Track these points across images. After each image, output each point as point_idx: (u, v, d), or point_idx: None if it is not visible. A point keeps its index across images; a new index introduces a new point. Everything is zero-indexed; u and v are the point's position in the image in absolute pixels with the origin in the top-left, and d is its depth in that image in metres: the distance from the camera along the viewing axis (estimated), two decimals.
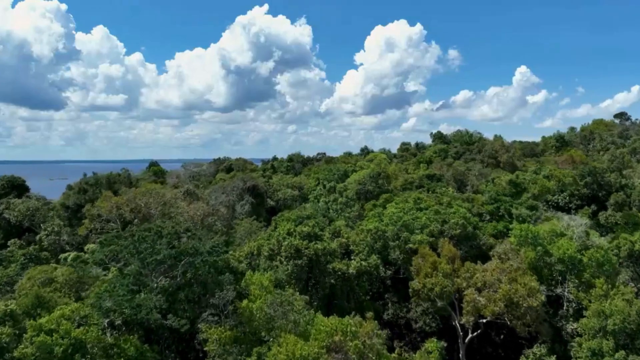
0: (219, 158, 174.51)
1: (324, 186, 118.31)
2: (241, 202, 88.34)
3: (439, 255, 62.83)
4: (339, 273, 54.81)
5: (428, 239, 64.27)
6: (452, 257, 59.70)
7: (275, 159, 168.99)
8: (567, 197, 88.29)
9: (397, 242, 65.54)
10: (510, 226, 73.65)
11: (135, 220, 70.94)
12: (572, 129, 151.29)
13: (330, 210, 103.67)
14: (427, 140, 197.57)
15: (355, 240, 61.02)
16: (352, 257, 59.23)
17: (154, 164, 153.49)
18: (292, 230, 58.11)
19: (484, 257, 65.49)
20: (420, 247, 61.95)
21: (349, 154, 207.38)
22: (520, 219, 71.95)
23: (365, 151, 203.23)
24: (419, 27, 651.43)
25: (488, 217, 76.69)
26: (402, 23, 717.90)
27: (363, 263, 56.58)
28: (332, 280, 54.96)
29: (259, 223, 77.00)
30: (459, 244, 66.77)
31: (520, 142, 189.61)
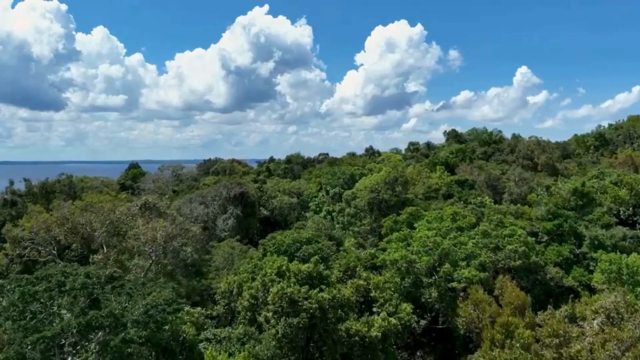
0: (209, 159, 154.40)
1: (327, 192, 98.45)
2: (224, 215, 68.27)
3: (496, 299, 43.02)
4: (356, 338, 34.85)
5: (479, 275, 44.44)
6: (521, 305, 39.88)
7: (272, 160, 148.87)
8: (631, 209, 68.60)
9: (433, 278, 45.70)
10: (579, 252, 53.77)
11: (74, 245, 51.27)
12: (611, 125, 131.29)
13: (336, 224, 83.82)
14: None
15: (379, 283, 40.92)
16: (375, 309, 39.19)
17: (134, 165, 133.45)
18: (284, 268, 38.15)
19: (552, 297, 46.14)
20: (472, 289, 42.07)
21: (352, 155, 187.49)
22: (597, 242, 51.98)
23: (370, 151, 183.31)
24: (419, 27, 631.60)
25: (546, 238, 56.78)
26: (403, 23, 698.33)
27: (392, 320, 36.52)
28: (345, 349, 35.05)
29: (244, 246, 57.00)
30: (517, 279, 47.13)
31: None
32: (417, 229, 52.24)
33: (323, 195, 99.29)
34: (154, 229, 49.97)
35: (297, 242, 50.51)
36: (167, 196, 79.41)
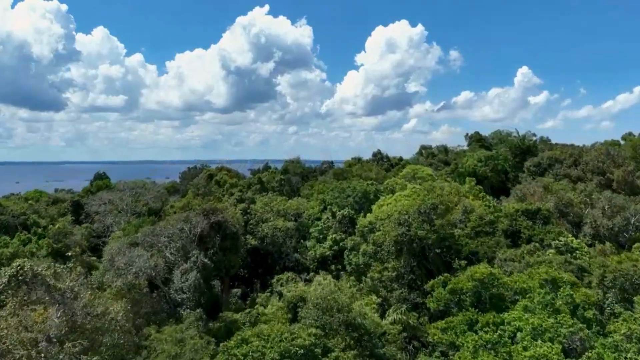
0: (195, 167, 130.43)
1: (333, 214, 74.72)
2: (183, 265, 44.30)
3: None
4: None
5: None
6: None
7: (267, 167, 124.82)
8: None
9: None
10: None
11: None
12: None
13: (347, 264, 60.30)
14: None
15: None
16: None
17: (100, 176, 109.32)
18: None
19: None
20: None
21: (358, 159, 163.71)
22: None
23: (378, 156, 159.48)
24: (420, 27, 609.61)
25: None
26: (404, 23, 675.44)
27: None
28: None
29: (204, 343, 32.77)
30: None
31: (573, 145, 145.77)
32: (506, 314, 28.28)
33: (328, 217, 75.51)
34: (27, 324, 26.50)
35: (286, 340, 26.91)
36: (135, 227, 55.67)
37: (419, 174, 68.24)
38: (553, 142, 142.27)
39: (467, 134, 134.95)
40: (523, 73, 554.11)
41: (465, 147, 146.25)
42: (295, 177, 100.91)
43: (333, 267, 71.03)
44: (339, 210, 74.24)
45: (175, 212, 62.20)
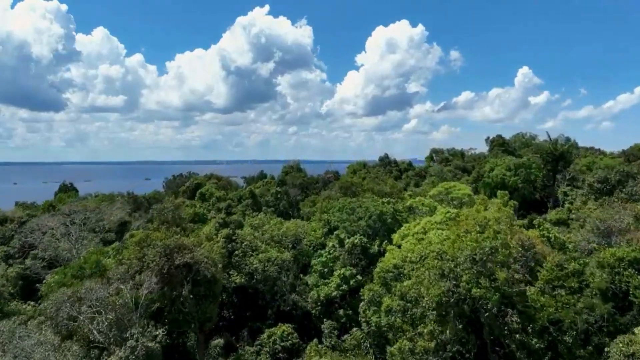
0: (181, 174, 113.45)
1: (341, 242, 58.29)
2: (116, 353, 27.51)
3: None
4: None
5: None
6: None
7: (262, 176, 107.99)
8: None
9: None
10: None
11: None
12: None
13: (363, 321, 43.86)
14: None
15: None
16: None
17: (64, 187, 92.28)
18: None
19: None
20: None
21: (363, 165, 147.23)
22: None
23: (385, 161, 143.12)
24: (420, 27, 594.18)
25: None
26: (404, 24, 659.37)
27: None
28: None
29: None
30: None
31: (610, 153, 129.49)
32: None
33: (334, 245, 58.89)
34: None
35: None
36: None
37: (454, 192, 51.31)
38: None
39: (487, 138, 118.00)
40: (524, 73, 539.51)
41: (480, 151, 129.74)
42: (294, 189, 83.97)
43: (342, 312, 54.45)
44: (348, 237, 57.62)
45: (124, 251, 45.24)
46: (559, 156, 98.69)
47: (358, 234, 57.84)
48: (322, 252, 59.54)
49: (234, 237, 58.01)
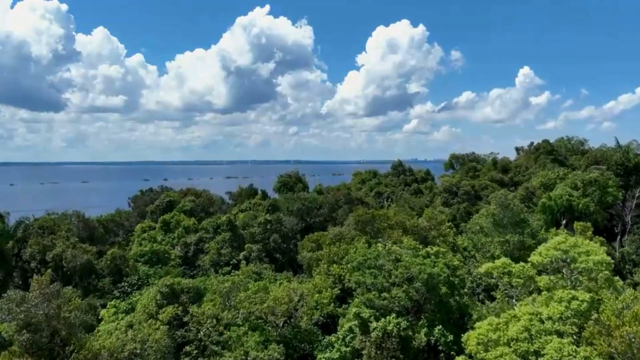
0: (150, 190, 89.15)
1: (364, 325, 34.02)
2: None
3: None
4: None
5: None
6: None
7: (251, 192, 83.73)
8: None
9: None
10: None
11: None
12: None
13: None
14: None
15: None
16: None
17: None
18: None
19: None
20: None
21: (373, 174, 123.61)
22: None
23: (399, 169, 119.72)
24: (421, 27, 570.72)
25: None
26: (405, 24, 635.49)
27: None
28: None
29: None
30: None
31: None
32: None
33: (352, 330, 34.95)
34: None
35: None
36: None
37: (579, 259, 26.85)
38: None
39: (531, 143, 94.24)
40: (524, 74, 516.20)
41: (501, 155, 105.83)
42: (292, 217, 59.53)
43: None
44: (376, 316, 33.66)
45: None
46: (632, 169, 74.66)
47: (392, 313, 33.88)
48: (332, 338, 35.51)
49: (185, 320, 33.87)
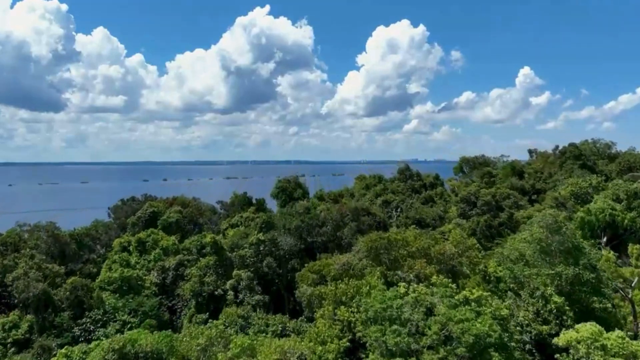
0: (132, 198, 79.28)
1: None
2: None
3: None
4: None
5: None
6: None
7: (244, 201, 73.92)
8: None
9: None
10: None
11: None
12: None
13: None
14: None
15: None
16: None
17: None
18: None
19: None
20: None
21: (378, 179, 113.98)
22: None
23: (407, 173, 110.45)
24: (421, 27, 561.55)
25: None
26: (405, 24, 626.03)
27: None
28: None
29: None
30: None
31: None
32: None
33: None
34: None
35: None
36: None
37: None
38: None
39: (556, 147, 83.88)
40: (525, 74, 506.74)
41: (512, 158, 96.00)
42: (287, 237, 49.47)
43: None
44: None
45: None
46: None
47: None
48: None
49: None
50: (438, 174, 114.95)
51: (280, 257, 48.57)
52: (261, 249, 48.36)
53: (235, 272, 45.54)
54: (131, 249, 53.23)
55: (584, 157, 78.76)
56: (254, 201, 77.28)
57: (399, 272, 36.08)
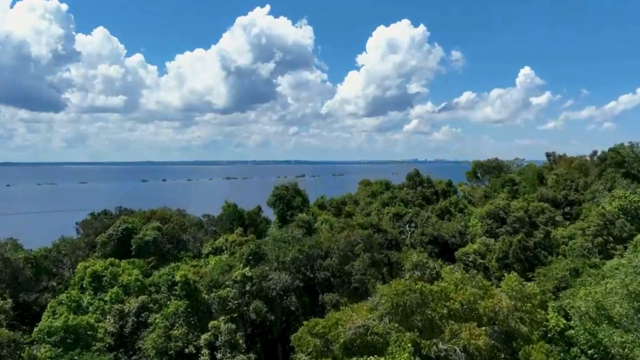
0: (104, 212, 67.72)
1: None
2: None
3: None
4: None
5: None
6: None
7: (234, 215, 62.59)
8: None
9: None
10: None
11: None
12: None
13: None
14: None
15: None
16: None
17: None
18: None
19: None
20: None
21: (386, 186, 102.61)
22: None
23: (416, 180, 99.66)
24: (422, 27, 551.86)
25: None
26: (405, 24, 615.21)
27: None
28: None
29: None
30: None
31: None
32: None
33: None
34: None
35: None
36: None
37: None
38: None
39: (594, 152, 72.54)
40: (525, 74, 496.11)
41: (528, 160, 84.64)
42: (282, 273, 37.98)
43: None
44: None
45: None
46: None
47: None
48: None
49: None
50: (450, 181, 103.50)
51: (272, 298, 37.04)
52: (247, 288, 36.86)
53: (211, 323, 34.05)
54: (84, 285, 41.73)
55: (627, 165, 67.32)
56: (245, 214, 65.90)
57: (439, 343, 24.66)
